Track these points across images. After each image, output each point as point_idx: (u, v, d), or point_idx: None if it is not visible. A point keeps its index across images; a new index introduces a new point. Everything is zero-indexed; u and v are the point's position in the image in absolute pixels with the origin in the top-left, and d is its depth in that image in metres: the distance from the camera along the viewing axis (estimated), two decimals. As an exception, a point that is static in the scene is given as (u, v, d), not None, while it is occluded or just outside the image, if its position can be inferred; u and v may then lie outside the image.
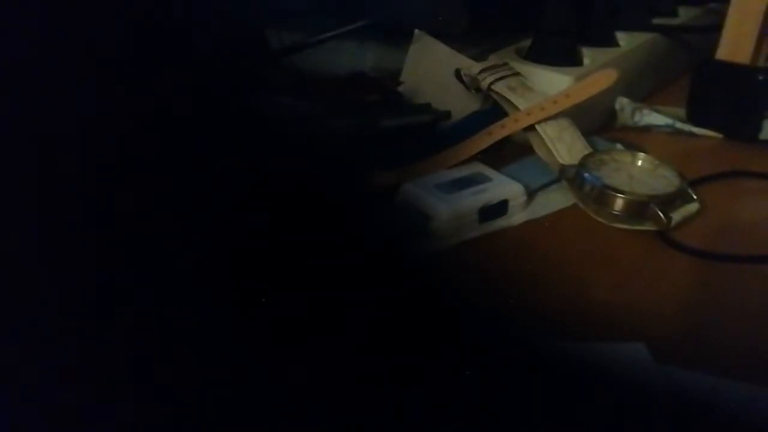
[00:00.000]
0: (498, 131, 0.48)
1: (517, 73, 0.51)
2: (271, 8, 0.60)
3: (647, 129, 0.57)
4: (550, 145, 0.47)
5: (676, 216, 0.43)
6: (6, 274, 0.30)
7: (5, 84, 0.32)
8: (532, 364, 0.32)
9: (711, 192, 0.47)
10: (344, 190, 0.43)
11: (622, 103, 0.57)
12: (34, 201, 0.32)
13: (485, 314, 0.35)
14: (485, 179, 0.45)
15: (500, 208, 0.43)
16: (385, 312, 0.33)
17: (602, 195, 0.43)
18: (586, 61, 0.56)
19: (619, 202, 0.43)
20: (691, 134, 0.56)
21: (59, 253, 0.32)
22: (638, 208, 0.43)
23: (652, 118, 0.57)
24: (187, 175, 0.36)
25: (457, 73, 0.54)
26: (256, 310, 0.33)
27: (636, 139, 0.55)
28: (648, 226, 0.43)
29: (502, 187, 0.44)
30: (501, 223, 0.44)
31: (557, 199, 0.46)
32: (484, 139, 0.48)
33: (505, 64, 0.52)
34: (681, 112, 0.58)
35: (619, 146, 0.51)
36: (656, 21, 0.65)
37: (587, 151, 0.47)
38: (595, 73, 0.49)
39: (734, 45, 0.55)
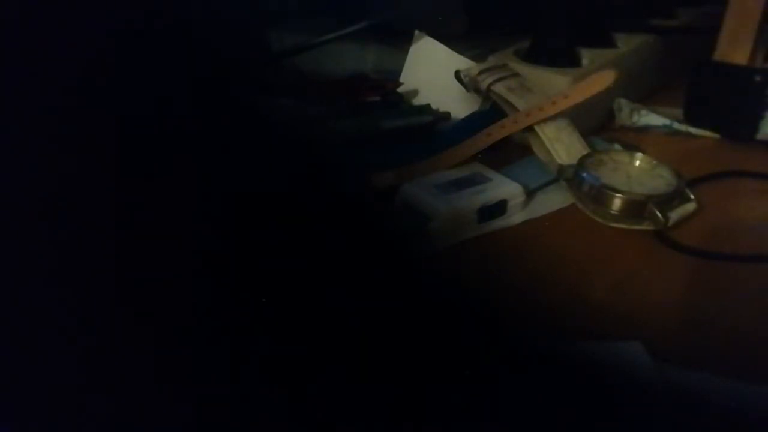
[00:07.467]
0: (497, 132, 0.48)
1: (516, 74, 0.51)
2: (272, 10, 0.60)
3: (645, 129, 0.57)
4: (548, 146, 0.48)
5: (674, 215, 0.43)
6: (8, 274, 0.30)
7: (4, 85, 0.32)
8: (530, 363, 0.32)
9: (708, 192, 0.47)
10: (344, 191, 0.43)
11: (621, 103, 0.57)
12: (34, 202, 0.32)
13: (484, 313, 0.35)
14: (484, 179, 0.45)
15: (499, 208, 0.44)
16: (384, 311, 0.33)
17: (600, 195, 0.44)
18: (584, 62, 0.57)
19: (617, 202, 0.43)
20: (689, 134, 0.57)
21: (61, 256, 0.32)
22: (636, 208, 0.43)
23: (650, 118, 0.57)
24: (186, 178, 0.37)
25: (457, 74, 0.54)
26: (256, 309, 0.33)
27: (634, 139, 0.55)
28: (646, 226, 0.43)
29: (501, 187, 0.44)
30: (500, 222, 0.44)
31: (556, 199, 0.47)
32: (484, 140, 0.48)
33: (505, 65, 0.52)
34: (678, 112, 0.58)
35: (617, 146, 0.52)
36: (654, 22, 0.65)
37: (585, 151, 0.48)
38: (594, 74, 0.49)
39: (732, 46, 0.55)
